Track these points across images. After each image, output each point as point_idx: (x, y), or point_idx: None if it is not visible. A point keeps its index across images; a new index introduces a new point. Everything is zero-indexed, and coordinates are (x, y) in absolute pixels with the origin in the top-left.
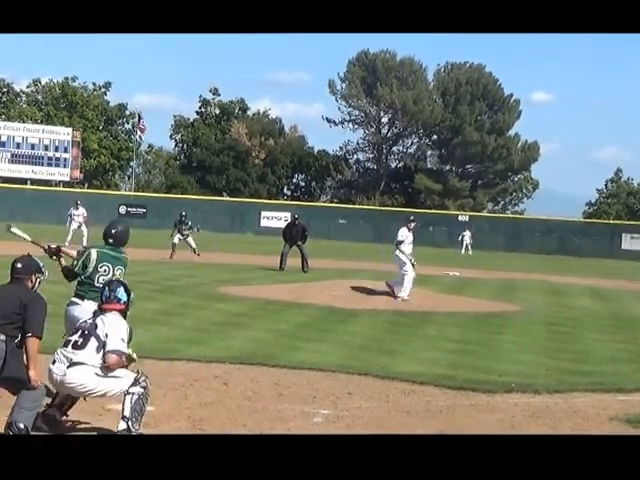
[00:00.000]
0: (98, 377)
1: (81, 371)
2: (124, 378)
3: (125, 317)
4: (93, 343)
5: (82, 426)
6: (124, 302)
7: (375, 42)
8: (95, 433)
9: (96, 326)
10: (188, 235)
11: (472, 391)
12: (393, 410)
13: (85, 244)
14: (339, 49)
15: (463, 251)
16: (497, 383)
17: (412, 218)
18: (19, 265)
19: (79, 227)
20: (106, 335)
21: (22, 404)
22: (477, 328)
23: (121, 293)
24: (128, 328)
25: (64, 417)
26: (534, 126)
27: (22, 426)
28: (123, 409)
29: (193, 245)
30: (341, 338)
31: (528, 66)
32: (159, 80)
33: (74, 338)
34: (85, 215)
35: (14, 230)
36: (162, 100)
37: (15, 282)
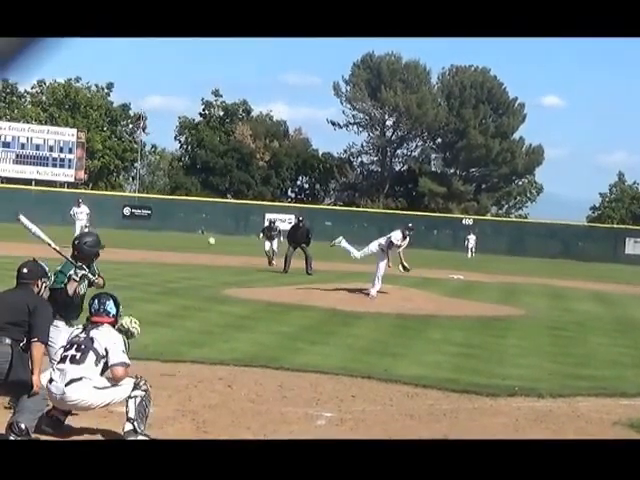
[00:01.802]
0: (98, 390)
1: (80, 387)
2: (124, 385)
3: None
4: (91, 357)
5: (86, 428)
6: (113, 315)
7: (380, 45)
8: (99, 435)
9: (92, 340)
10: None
11: (475, 395)
12: (396, 413)
13: None
14: (344, 52)
15: (468, 254)
16: (500, 387)
17: (411, 226)
18: (25, 270)
19: (86, 226)
20: (105, 349)
21: (24, 404)
22: (480, 332)
23: (110, 306)
24: (123, 339)
25: (69, 416)
26: (545, 130)
27: (23, 427)
28: (127, 411)
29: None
30: (345, 341)
31: (541, 70)
32: (171, 81)
33: (70, 353)
34: (88, 212)
35: (22, 219)
36: (174, 102)
37: (21, 287)
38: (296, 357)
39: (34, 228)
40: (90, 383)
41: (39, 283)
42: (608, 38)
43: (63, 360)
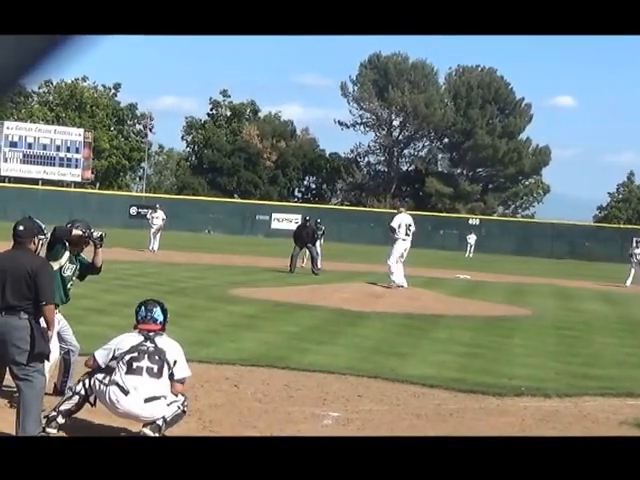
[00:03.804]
0: (167, 406)
1: (158, 405)
2: (180, 400)
3: None
4: (166, 371)
5: (93, 426)
6: (160, 322)
7: (387, 45)
8: (106, 434)
9: (163, 351)
10: (319, 242)
11: (482, 394)
12: (403, 413)
13: (153, 248)
14: (351, 52)
15: (471, 254)
16: (507, 387)
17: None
18: (21, 228)
19: (158, 230)
20: (174, 362)
21: (28, 407)
22: (487, 331)
23: (157, 313)
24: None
25: (74, 415)
26: (556, 130)
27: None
28: (166, 412)
29: (317, 255)
30: (351, 340)
31: (557, 71)
32: (181, 82)
33: (145, 364)
34: (164, 218)
35: None
36: (183, 102)
37: (18, 247)
38: (303, 357)
39: None
40: (166, 401)
41: (36, 240)
42: (623, 36)
43: (138, 371)
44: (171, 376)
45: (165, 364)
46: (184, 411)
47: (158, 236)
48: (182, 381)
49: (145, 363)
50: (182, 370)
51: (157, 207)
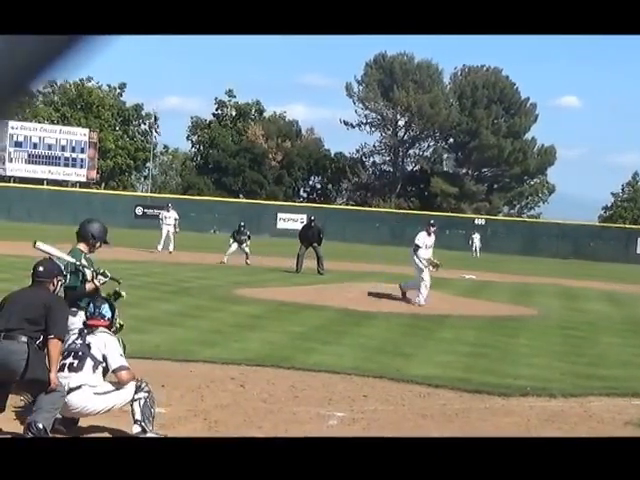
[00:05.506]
0: (99, 395)
1: (81, 395)
2: (126, 389)
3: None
4: (89, 363)
5: (98, 427)
6: (108, 319)
7: (392, 45)
8: (111, 434)
9: (89, 346)
10: (245, 244)
11: (487, 394)
12: (409, 413)
13: (158, 248)
14: (356, 52)
15: (473, 254)
16: (512, 387)
17: (432, 222)
18: (41, 269)
19: (175, 232)
20: (103, 356)
21: (41, 405)
22: (492, 331)
23: (105, 309)
24: (119, 340)
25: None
26: (560, 130)
27: (41, 426)
28: (134, 414)
29: (247, 251)
30: (357, 340)
31: (562, 71)
32: (187, 82)
33: (68, 361)
34: (177, 218)
35: (40, 246)
36: (188, 102)
37: (37, 285)
38: (308, 357)
39: (54, 251)
40: (90, 390)
41: (55, 281)
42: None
43: (62, 369)
44: (105, 369)
45: (88, 358)
46: (147, 392)
47: (164, 237)
48: (121, 369)
49: (68, 360)
50: (114, 361)
51: (169, 207)
